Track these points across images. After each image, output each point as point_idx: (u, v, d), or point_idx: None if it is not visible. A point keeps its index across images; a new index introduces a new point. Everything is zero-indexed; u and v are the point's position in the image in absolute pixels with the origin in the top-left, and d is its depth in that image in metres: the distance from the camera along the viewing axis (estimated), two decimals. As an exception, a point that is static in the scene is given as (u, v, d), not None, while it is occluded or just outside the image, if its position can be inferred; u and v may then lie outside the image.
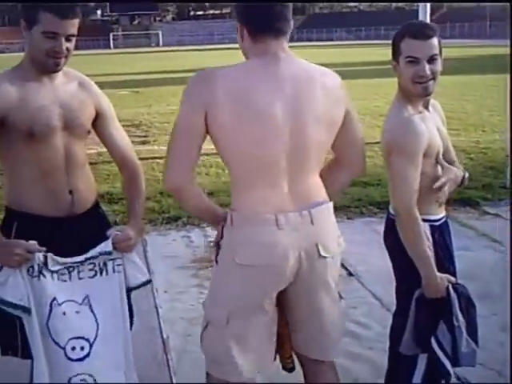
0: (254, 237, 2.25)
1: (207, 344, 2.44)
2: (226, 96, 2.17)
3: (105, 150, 2.76)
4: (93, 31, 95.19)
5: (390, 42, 2.67)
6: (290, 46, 2.32)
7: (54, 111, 2.47)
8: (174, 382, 3.42)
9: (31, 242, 2.35)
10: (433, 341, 2.61)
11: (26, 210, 2.52)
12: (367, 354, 3.62)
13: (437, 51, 2.51)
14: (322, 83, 2.27)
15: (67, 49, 2.44)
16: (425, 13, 8.04)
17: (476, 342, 2.65)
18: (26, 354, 2.45)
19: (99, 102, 2.64)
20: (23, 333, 2.40)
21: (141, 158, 2.81)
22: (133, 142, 2.94)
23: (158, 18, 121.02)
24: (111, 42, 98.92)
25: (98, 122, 2.64)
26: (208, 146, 2.30)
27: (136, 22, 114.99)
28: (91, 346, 2.43)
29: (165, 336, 3.92)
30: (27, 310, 2.33)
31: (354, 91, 19.57)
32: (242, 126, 2.20)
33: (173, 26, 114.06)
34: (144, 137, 11.34)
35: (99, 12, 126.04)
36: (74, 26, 2.42)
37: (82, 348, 2.41)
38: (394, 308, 2.91)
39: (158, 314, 4.20)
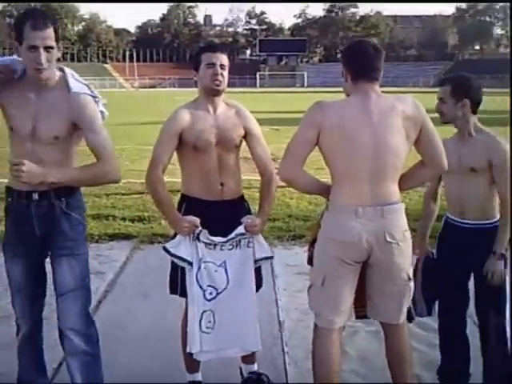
0: (339, 220, 3.19)
1: (311, 300, 3.39)
2: (331, 122, 3.12)
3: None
4: (241, 70, 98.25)
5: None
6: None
7: (212, 132, 3.52)
8: (286, 350, 4.40)
9: (196, 218, 3.42)
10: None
11: (191, 194, 3.58)
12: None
13: (442, 96, 3.57)
14: (401, 110, 3.14)
15: (221, 74, 3.50)
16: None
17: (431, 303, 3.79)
18: (182, 294, 3.56)
19: (248, 124, 3.64)
20: (182, 279, 3.50)
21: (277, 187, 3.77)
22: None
23: (304, 59, 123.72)
24: (257, 80, 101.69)
25: (247, 138, 3.66)
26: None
27: (283, 63, 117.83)
28: (217, 294, 3.48)
29: (281, 319, 4.91)
30: (190, 263, 3.43)
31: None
32: (339, 144, 3.13)
33: (318, 67, 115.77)
34: (280, 169, 12.34)
35: (248, 51, 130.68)
36: (225, 59, 3.51)
37: (211, 293, 3.48)
38: (472, 310, 3.81)
39: (277, 305, 5.21)
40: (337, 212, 3.22)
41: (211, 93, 3.53)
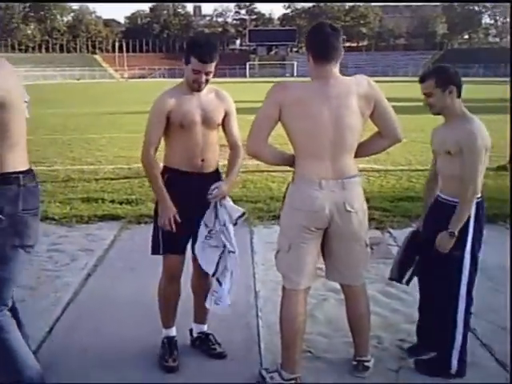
0: (303, 191, 3.53)
1: (278, 264, 3.75)
2: (293, 101, 3.43)
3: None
4: (231, 60, 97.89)
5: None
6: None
7: (197, 112, 3.88)
8: (260, 315, 4.80)
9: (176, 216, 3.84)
10: None
11: (173, 166, 3.92)
12: (405, 310, 4.86)
13: (428, 90, 3.77)
14: (356, 90, 3.45)
15: (206, 80, 3.87)
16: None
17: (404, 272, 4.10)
18: (164, 251, 3.99)
19: (228, 105, 4.02)
20: (163, 237, 3.97)
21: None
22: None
23: (294, 49, 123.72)
24: (247, 70, 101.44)
25: (225, 117, 4.02)
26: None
27: (273, 53, 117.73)
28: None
29: (257, 290, 5.31)
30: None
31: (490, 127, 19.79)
32: (300, 122, 3.44)
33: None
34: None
35: (238, 41, 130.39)
36: (211, 67, 3.83)
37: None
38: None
39: (254, 277, 5.61)
40: (302, 184, 3.55)
41: (192, 90, 3.89)
